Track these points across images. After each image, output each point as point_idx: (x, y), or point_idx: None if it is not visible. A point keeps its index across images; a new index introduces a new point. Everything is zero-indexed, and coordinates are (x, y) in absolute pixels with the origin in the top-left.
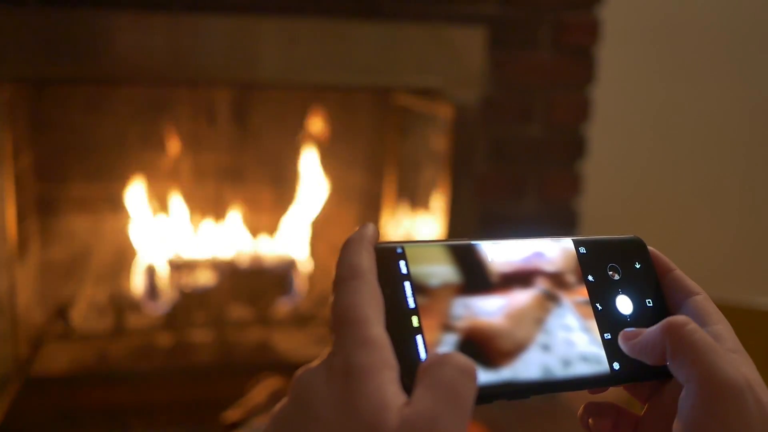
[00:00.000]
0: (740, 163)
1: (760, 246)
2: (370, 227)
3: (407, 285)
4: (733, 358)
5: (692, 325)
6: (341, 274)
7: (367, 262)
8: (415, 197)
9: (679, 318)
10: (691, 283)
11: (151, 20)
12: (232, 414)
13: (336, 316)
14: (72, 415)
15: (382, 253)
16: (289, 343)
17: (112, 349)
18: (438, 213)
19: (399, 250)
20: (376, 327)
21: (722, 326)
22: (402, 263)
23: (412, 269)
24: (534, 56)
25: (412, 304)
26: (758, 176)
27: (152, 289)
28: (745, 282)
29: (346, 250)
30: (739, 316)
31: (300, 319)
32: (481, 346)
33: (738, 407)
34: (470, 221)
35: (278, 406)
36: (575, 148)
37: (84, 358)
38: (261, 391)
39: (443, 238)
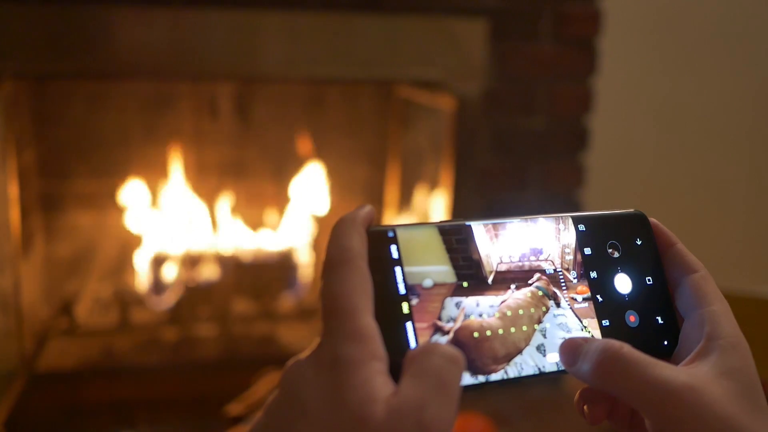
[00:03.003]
0: (743, 153)
1: (763, 236)
2: (366, 208)
3: (398, 270)
4: (667, 367)
5: (623, 353)
6: (331, 257)
7: (357, 245)
8: (417, 189)
9: (611, 350)
10: (692, 259)
11: (154, 15)
12: (234, 408)
13: (325, 305)
14: (77, 410)
15: (374, 237)
16: (293, 336)
17: (117, 344)
18: (441, 205)
19: (390, 234)
20: (365, 317)
21: (718, 307)
22: (393, 247)
23: (404, 254)
24: (536, 48)
25: (402, 290)
26: (761, 166)
27: (157, 283)
28: (748, 271)
29: (337, 231)
30: (742, 305)
31: (304, 313)
32: (473, 334)
33: (683, 417)
34: (473, 213)
35: (270, 398)
36: (577, 139)
37: (89, 353)
38: (264, 385)
39: (437, 220)
